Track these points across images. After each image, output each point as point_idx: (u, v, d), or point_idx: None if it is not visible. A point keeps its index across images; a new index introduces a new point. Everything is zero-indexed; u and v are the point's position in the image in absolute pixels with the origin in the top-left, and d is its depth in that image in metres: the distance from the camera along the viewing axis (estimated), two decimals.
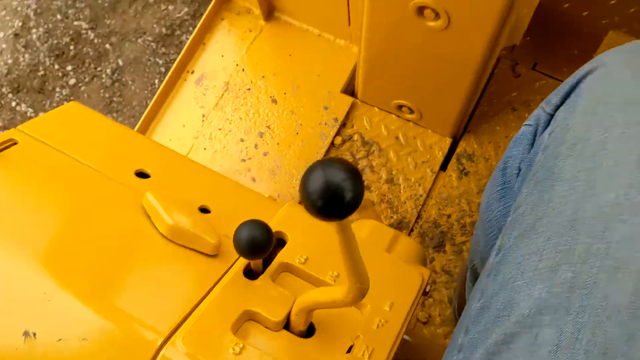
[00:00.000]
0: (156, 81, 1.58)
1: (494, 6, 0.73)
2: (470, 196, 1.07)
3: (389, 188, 1.08)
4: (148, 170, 0.60)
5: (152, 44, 1.58)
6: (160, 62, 1.56)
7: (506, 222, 0.51)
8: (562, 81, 1.10)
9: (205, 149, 1.14)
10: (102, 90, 1.55)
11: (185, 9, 1.60)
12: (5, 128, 1.52)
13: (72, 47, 1.60)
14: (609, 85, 0.47)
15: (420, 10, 0.80)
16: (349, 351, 0.48)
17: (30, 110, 1.54)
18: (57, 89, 1.57)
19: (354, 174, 0.32)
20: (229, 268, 0.51)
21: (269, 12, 1.19)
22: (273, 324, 0.47)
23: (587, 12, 1.09)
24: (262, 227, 0.45)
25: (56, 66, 1.59)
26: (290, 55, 1.16)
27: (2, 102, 1.53)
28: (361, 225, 0.61)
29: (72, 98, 1.58)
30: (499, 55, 1.14)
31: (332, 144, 1.11)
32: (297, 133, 1.12)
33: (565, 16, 1.10)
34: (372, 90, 1.09)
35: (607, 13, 1.09)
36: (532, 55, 1.11)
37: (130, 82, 1.58)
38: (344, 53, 1.15)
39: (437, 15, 0.79)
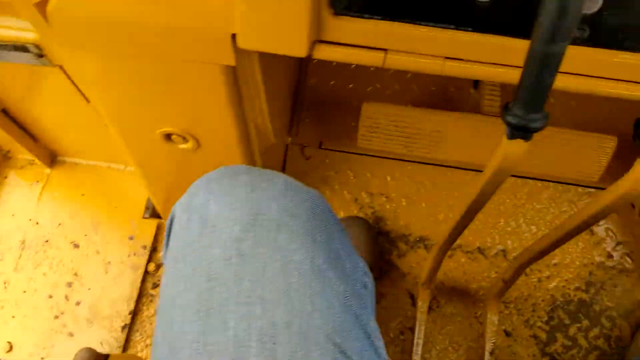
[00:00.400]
0: None
1: (230, 128, 0.75)
2: None
3: None
4: None
5: None
6: None
7: None
8: (347, 152, 1.16)
9: (13, 316, 1.05)
10: None
11: None
12: None
13: None
14: (175, 238, 0.47)
15: (168, 136, 0.81)
16: None
17: None
18: None
19: None
20: None
21: (52, 158, 1.15)
22: None
23: (352, 85, 1.16)
24: None
25: None
26: (83, 194, 1.13)
27: None
28: None
29: None
30: (287, 143, 1.18)
31: (147, 272, 1.08)
32: (107, 272, 1.07)
33: (334, 92, 1.17)
34: (171, 207, 1.08)
35: (368, 81, 1.17)
36: (316, 135, 1.16)
37: None
38: (137, 178, 1.13)
39: (185, 139, 0.80)
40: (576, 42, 0.56)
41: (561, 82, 0.58)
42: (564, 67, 0.58)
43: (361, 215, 1.14)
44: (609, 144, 0.96)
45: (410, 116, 1.00)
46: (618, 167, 1.11)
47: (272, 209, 0.44)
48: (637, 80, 0.51)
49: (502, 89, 1.06)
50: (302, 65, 1.14)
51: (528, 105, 0.47)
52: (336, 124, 1.15)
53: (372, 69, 1.17)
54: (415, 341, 1.02)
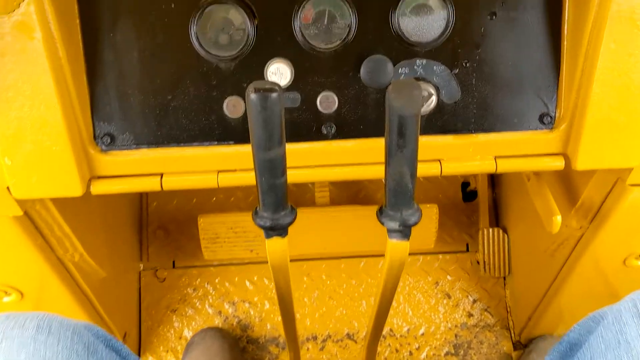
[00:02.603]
0: None
1: (46, 273, 0.76)
2: None
3: None
4: None
5: None
6: None
7: None
8: (202, 267, 1.16)
9: None
10: None
11: None
12: None
13: None
14: None
15: None
16: None
17: None
18: None
19: None
20: None
21: None
22: None
23: (195, 199, 1.19)
24: None
25: None
26: None
27: None
28: None
29: None
30: (139, 270, 1.17)
31: None
32: None
33: (179, 210, 1.18)
34: None
35: (210, 193, 1.20)
36: (168, 255, 1.17)
37: None
38: None
39: (6, 292, 0.79)
40: (327, 137, 0.62)
41: (322, 175, 0.64)
42: (324, 160, 0.64)
43: (227, 326, 1.13)
44: (433, 211, 1.04)
45: (247, 220, 1.03)
46: (449, 228, 1.19)
47: (21, 357, 0.44)
48: (382, 160, 0.57)
49: (331, 184, 1.13)
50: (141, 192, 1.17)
51: (272, 206, 0.51)
52: (186, 241, 1.17)
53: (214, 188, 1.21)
54: None
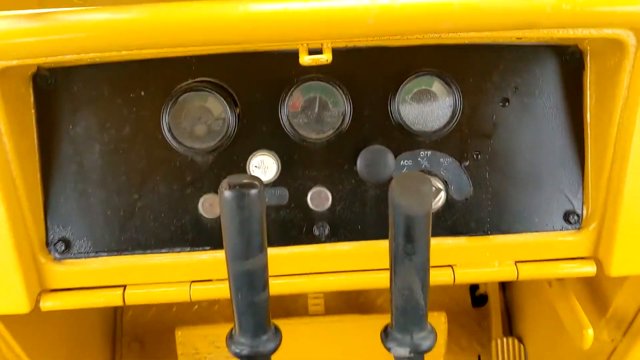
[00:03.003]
0: None
1: None
2: None
3: None
4: None
5: None
6: None
7: None
8: None
9: None
10: None
11: None
12: None
13: None
14: None
15: None
16: None
17: None
18: None
19: None
20: None
21: None
22: None
23: (174, 308, 1.07)
24: None
25: None
26: None
27: None
28: None
29: None
30: None
31: None
32: None
33: (156, 320, 1.07)
34: None
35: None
36: None
37: None
38: None
39: None
40: (320, 239, 0.53)
41: (314, 285, 0.54)
42: (316, 267, 0.54)
43: None
44: (441, 320, 0.93)
45: None
46: (458, 336, 1.07)
47: None
48: (385, 267, 0.48)
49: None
50: None
51: (250, 329, 0.41)
52: (164, 355, 1.04)
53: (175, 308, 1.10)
54: None
